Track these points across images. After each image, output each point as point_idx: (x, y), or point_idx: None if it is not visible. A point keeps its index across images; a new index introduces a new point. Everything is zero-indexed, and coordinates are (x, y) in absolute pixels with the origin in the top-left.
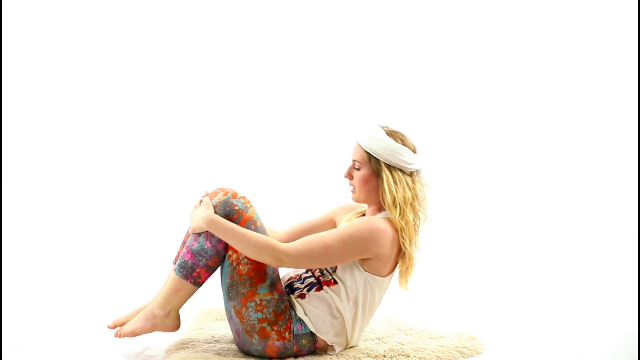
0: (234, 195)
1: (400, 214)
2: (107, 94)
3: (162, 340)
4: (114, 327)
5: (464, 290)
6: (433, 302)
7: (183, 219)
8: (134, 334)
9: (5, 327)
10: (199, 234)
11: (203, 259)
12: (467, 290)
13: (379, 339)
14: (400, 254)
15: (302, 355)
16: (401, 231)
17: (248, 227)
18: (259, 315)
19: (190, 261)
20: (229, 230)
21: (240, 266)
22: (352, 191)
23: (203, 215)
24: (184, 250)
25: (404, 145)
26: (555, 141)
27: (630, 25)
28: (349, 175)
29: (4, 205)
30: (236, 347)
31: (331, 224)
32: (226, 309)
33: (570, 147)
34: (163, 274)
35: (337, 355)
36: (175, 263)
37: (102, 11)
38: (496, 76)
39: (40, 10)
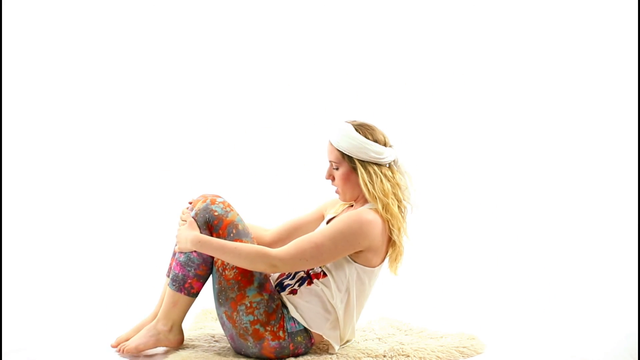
0: (213, 201)
1: (382, 207)
2: (106, 95)
3: None
4: (117, 345)
5: (464, 290)
6: (433, 302)
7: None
8: (137, 350)
9: (5, 327)
10: None
11: (192, 269)
12: (467, 290)
13: (379, 339)
14: (390, 242)
15: (300, 354)
16: (389, 222)
17: (229, 232)
18: (251, 317)
19: (180, 273)
20: (218, 248)
21: (227, 271)
22: (336, 192)
23: (190, 237)
24: (174, 263)
25: (374, 139)
26: (556, 141)
27: (630, 25)
28: (330, 177)
29: (4, 205)
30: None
31: (321, 219)
32: (218, 315)
33: (570, 147)
34: (162, 273)
35: (337, 355)
36: (168, 276)
37: (102, 11)
38: (501, 75)
39: (40, 11)
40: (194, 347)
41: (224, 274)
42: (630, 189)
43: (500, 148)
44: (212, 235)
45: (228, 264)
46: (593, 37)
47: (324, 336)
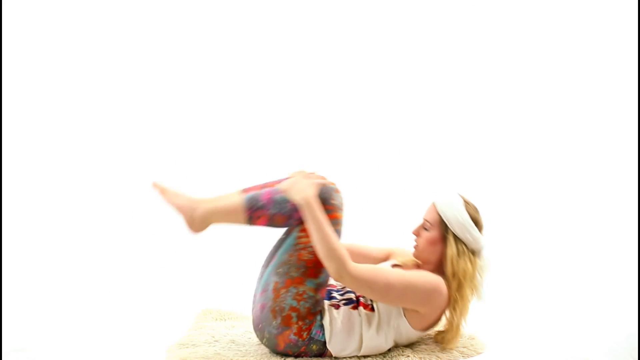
0: (337, 191)
1: (458, 287)
2: (107, 95)
3: (162, 340)
4: (156, 185)
5: None
6: None
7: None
8: (166, 196)
9: (5, 327)
10: None
11: (274, 210)
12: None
13: None
14: (440, 316)
15: (306, 356)
16: (454, 302)
17: (333, 225)
18: (294, 303)
19: (263, 201)
20: (317, 221)
21: (304, 252)
22: (414, 247)
23: (306, 192)
24: (267, 189)
25: (476, 222)
26: (554, 141)
27: (630, 25)
28: (417, 233)
29: (4, 205)
30: (236, 346)
31: (385, 259)
32: (265, 280)
33: (570, 147)
34: (161, 273)
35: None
36: (245, 191)
37: (102, 12)
38: (498, 76)
39: (40, 11)
40: (194, 346)
41: (300, 252)
42: (630, 189)
43: (499, 148)
44: None
45: (310, 246)
46: (593, 37)
47: (334, 355)
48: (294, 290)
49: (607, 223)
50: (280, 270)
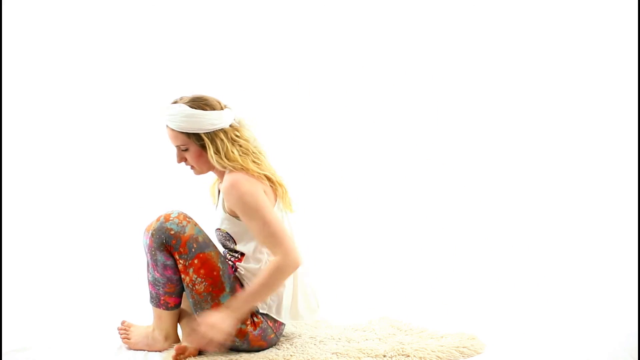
0: (167, 218)
1: (241, 169)
2: (106, 96)
3: None
4: (122, 327)
5: (463, 290)
6: (433, 302)
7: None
8: (131, 346)
9: (5, 327)
10: (149, 266)
11: (160, 288)
12: (467, 290)
13: (379, 339)
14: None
15: (280, 325)
16: (260, 179)
17: (190, 248)
18: None
19: (153, 292)
20: (250, 301)
21: (197, 286)
22: (191, 168)
23: (226, 325)
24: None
25: (211, 108)
26: (555, 141)
27: (631, 25)
28: (182, 159)
29: (4, 205)
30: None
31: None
32: None
33: (570, 147)
34: None
35: (337, 355)
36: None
37: (101, 12)
38: (497, 76)
39: (40, 11)
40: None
41: (194, 289)
42: (630, 189)
43: (501, 148)
44: (173, 255)
45: (196, 278)
46: (593, 37)
47: (270, 313)
48: None
49: (607, 223)
50: (198, 312)
